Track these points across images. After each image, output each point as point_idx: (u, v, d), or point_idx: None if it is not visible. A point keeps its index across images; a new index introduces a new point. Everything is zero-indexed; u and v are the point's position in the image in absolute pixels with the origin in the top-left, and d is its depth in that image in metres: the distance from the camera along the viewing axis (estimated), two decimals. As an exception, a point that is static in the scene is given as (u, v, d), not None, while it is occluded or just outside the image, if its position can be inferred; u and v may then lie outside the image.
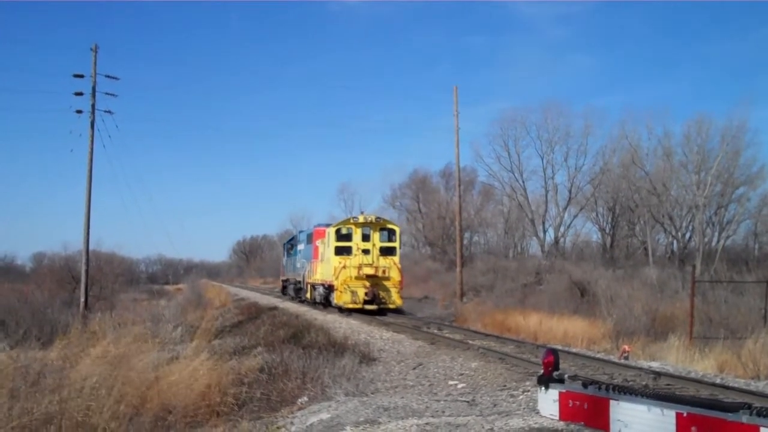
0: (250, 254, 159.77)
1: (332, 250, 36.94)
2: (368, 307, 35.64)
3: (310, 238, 43.85)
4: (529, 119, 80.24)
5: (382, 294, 36.22)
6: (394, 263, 37.01)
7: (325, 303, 39.11)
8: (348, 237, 37.10)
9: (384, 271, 36.38)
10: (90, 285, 44.54)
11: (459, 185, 55.53)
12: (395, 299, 36.58)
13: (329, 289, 37.97)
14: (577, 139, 78.84)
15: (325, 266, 38.90)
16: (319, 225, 44.19)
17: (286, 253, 57.18)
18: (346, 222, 38.62)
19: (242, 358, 20.94)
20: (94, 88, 42.58)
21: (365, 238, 36.99)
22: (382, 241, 37.24)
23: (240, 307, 46.73)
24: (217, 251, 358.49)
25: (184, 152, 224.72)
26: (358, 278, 36.00)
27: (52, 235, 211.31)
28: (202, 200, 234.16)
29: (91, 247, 44.64)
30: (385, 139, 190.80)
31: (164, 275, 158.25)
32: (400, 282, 37.14)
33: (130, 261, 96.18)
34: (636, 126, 73.70)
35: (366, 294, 35.81)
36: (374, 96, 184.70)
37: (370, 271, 36.01)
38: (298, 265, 48.65)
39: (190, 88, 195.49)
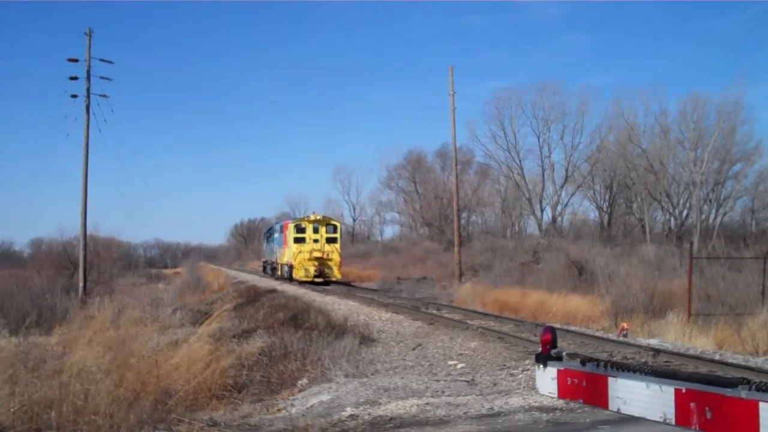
0: (247, 237, 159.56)
1: (292, 240, 50.55)
2: (317, 279, 48.24)
3: (282, 229, 56.86)
4: (525, 98, 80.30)
5: (326, 270, 49.36)
6: (336, 249, 50.67)
7: (290, 278, 51.18)
8: (303, 230, 50.57)
9: (328, 255, 49.80)
10: (88, 270, 44.59)
11: (456, 165, 55.46)
12: (336, 274, 50.02)
13: (291, 267, 50.97)
14: (572, 118, 78.94)
15: (288, 251, 52.30)
16: (287, 220, 59.94)
17: (265, 240, 72.40)
18: (302, 220, 53.40)
19: (242, 341, 20.97)
20: (88, 72, 42.51)
21: (315, 230, 50.45)
22: (327, 233, 50.74)
23: (239, 290, 46.77)
24: (215, 234, 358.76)
25: (181, 136, 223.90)
26: (309, 260, 49.30)
27: (50, 221, 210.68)
28: (200, 184, 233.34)
29: (88, 232, 44.74)
30: (381, 120, 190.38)
31: (162, 259, 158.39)
32: (340, 262, 51.00)
33: (128, 245, 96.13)
34: (632, 103, 73.71)
35: (315, 271, 48.91)
36: (369, 77, 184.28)
37: (318, 254, 49.45)
38: (274, 249, 62.34)
39: (186, 71, 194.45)
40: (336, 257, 50.24)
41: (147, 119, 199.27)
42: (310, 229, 50.31)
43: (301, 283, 47.73)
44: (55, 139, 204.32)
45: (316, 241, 49.86)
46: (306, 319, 24.69)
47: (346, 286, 50.36)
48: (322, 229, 50.53)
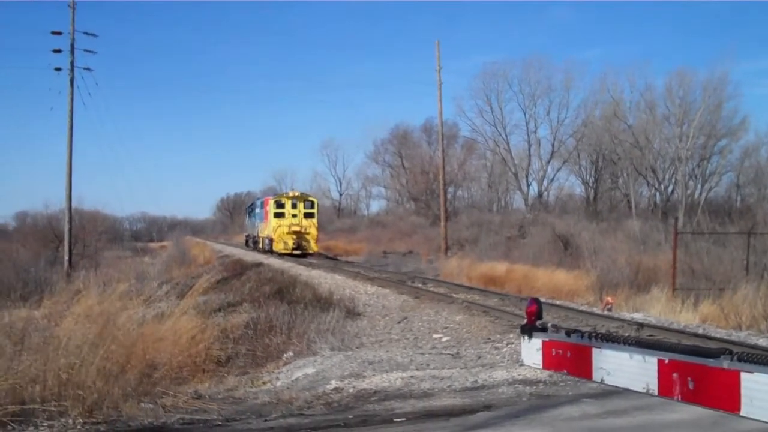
0: (234, 211, 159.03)
1: (272, 215, 53.43)
2: (295, 252, 50.62)
3: (262, 205, 59.78)
4: (511, 73, 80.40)
5: (304, 243, 52.09)
6: (313, 224, 53.67)
7: (270, 250, 53.40)
8: (282, 206, 53.43)
9: (305, 229, 52.77)
10: (73, 243, 44.45)
11: (442, 140, 55.49)
12: (313, 246, 52.89)
13: (271, 240, 53.61)
14: (558, 93, 79.11)
15: (268, 226, 55.06)
16: (268, 196, 62.37)
17: (248, 215, 75.52)
18: (281, 196, 56.51)
19: (228, 314, 20.98)
20: (72, 45, 42.25)
21: (294, 206, 53.32)
22: (305, 208, 53.64)
23: (225, 263, 46.79)
24: (202, 208, 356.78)
25: (167, 109, 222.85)
26: (288, 233, 51.98)
27: (35, 194, 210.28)
28: (186, 158, 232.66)
29: (73, 205, 44.50)
30: (368, 95, 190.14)
31: (148, 233, 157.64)
32: (317, 236, 54.17)
33: (114, 219, 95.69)
34: (617, 79, 73.84)
35: (293, 243, 51.58)
36: (357, 51, 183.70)
37: (296, 228, 52.34)
38: (255, 224, 65.17)
39: (172, 44, 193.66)
40: (313, 231, 53.47)
41: (133, 93, 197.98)
42: (288, 204, 53.41)
43: (281, 255, 49.80)
44: (40, 112, 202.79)
45: (294, 216, 52.92)
46: (292, 293, 24.70)
47: (332, 260, 53.21)
48: (300, 205, 53.61)
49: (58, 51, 42.12)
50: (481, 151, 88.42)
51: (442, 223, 51.08)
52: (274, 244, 52.80)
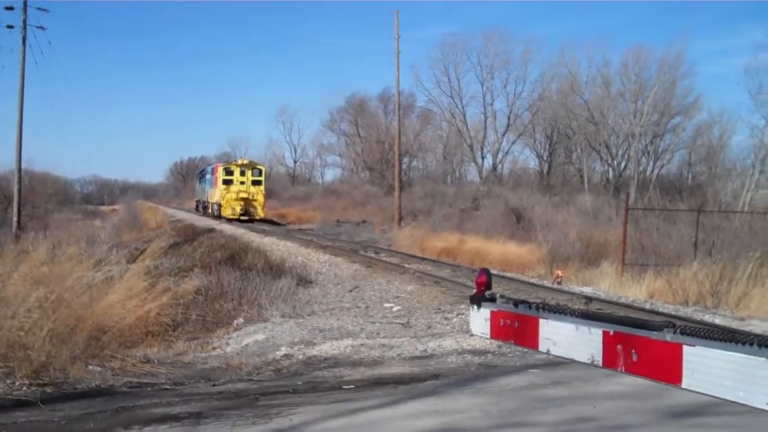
0: (187, 176, 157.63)
1: (221, 182, 56.37)
2: (243, 217, 53.91)
3: (213, 172, 61.99)
4: (470, 45, 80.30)
5: (251, 210, 55.45)
6: (260, 191, 57.03)
7: (218, 216, 55.82)
8: (231, 173, 56.69)
9: (253, 196, 56.06)
10: (23, 205, 43.89)
11: (398, 110, 55.51)
12: (260, 213, 56.27)
13: (220, 206, 56.47)
14: (516, 66, 79.26)
15: (217, 192, 57.62)
16: (218, 163, 65.41)
17: (198, 181, 78.25)
18: (230, 163, 60.19)
19: (179, 279, 20.86)
20: (25, 3, 41.50)
21: (242, 173, 56.64)
22: (253, 176, 57.09)
23: (176, 228, 46.40)
24: (155, 172, 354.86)
25: (123, 71, 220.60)
26: (236, 200, 55.24)
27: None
28: (140, 121, 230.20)
29: (23, 167, 43.94)
30: (325, 62, 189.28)
31: (99, 196, 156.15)
32: (264, 203, 57.52)
33: (65, 181, 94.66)
34: (575, 54, 74.15)
35: (241, 209, 54.89)
36: (316, 17, 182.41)
37: (244, 195, 55.62)
38: (205, 189, 67.29)
39: (129, 6, 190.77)
40: (260, 198, 57.07)
41: (86, 53, 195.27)
42: (237, 172, 56.78)
43: (230, 221, 52.43)
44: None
45: (242, 183, 56.33)
46: (244, 259, 24.59)
47: (280, 225, 56.78)
48: (249, 173, 57.06)
49: (11, 8, 41.48)
50: (437, 122, 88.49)
51: (396, 194, 51.14)
52: (222, 209, 55.51)
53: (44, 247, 14.84)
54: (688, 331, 3.18)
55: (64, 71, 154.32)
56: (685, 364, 3.14)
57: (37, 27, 41.86)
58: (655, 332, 3.29)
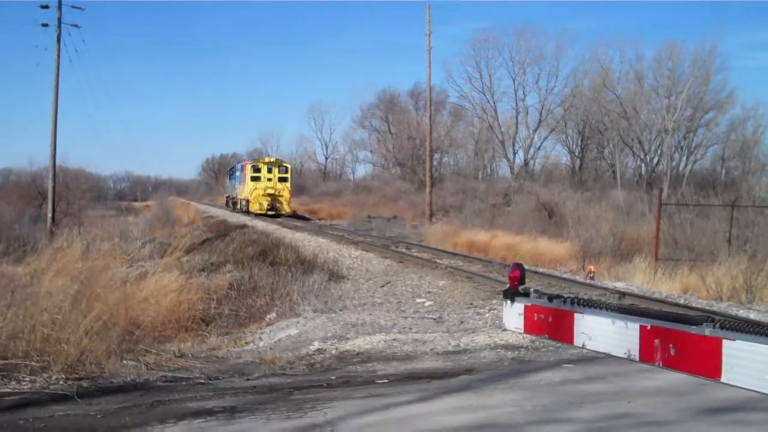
0: (219, 172, 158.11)
1: (249, 178, 58.47)
2: (269, 212, 55.61)
3: (242, 169, 63.84)
4: (502, 40, 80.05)
5: (277, 205, 57.19)
6: (286, 187, 59.16)
7: (247, 211, 57.97)
8: (259, 170, 58.69)
9: (279, 192, 58.10)
10: (57, 201, 44.31)
11: (430, 106, 55.40)
12: (285, 208, 57.94)
13: (248, 202, 58.51)
14: (549, 62, 78.82)
15: (246, 188, 59.65)
16: (247, 161, 68.16)
17: (228, 178, 79.94)
18: (258, 161, 62.28)
19: (211, 275, 20.97)
20: (60, 1, 41.76)
21: (269, 171, 58.67)
22: (279, 173, 59.06)
23: (209, 224, 46.65)
24: (187, 169, 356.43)
25: (156, 69, 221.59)
26: (263, 196, 57.24)
27: (19, 151, 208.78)
28: (173, 117, 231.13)
29: (57, 163, 44.32)
30: (357, 58, 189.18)
31: (132, 192, 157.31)
32: (289, 198, 59.55)
33: (98, 177, 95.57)
34: (608, 49, 73.73)
35: (268, 205, 56.71)
36: (347, 13, 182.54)
37: (271, 191, 57.64)
38: (235, 186, 68.82)
39: (162, 5, 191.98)
40: (286, 194, 59.15)
41: (121, 51, 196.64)
42: (264, 169, 58.92)
43: (258, 215, 54.66)
44: (26, 68, 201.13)
45: (269, 180, 58.52)
46: (276, 255, 24.67)
47: (307, 220, 59.32)
48: (275, 170, 59.25)
49: (46, 7, 41.68)
50: (468, 118, 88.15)
51: (428, 189, 50.99)
52: (250, 205, 57.79)
53: (79, 243, 14.92)
54: (728, 326, 3.15)
55: (98, 69, 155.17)
56: (724, 359, 3.11)
57: (72, 25, 42.14)
58: (694, 327, 3.26)
